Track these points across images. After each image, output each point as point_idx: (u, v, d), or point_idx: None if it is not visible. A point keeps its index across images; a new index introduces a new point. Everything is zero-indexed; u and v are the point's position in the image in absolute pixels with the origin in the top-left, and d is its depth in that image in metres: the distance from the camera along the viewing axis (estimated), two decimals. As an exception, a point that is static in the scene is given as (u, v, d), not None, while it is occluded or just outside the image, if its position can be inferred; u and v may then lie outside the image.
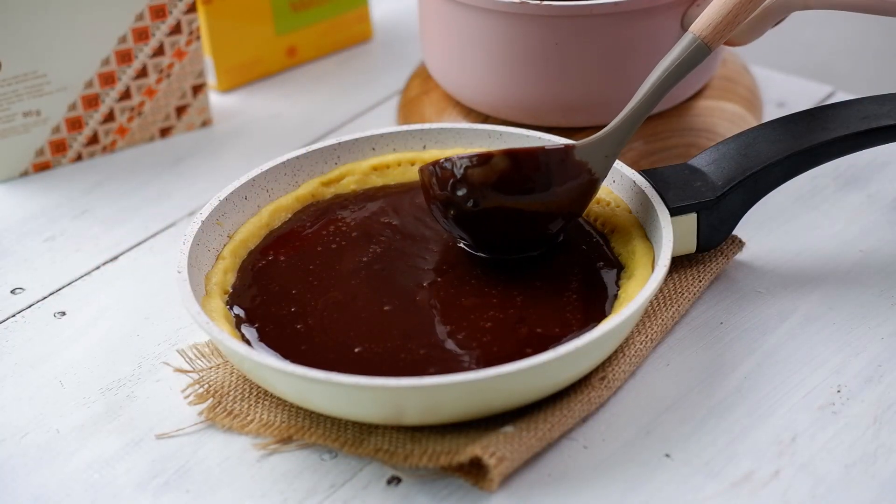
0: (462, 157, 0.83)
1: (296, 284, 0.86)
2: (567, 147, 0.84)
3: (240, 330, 0.82)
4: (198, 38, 1.07)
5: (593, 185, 0.85)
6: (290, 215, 0.91)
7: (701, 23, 0.85)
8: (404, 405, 0.76)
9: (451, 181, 0.84)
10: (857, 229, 0.94)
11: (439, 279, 0.85)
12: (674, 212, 0.86)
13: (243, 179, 0.91)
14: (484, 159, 0.83)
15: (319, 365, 0.77)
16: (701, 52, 0.85)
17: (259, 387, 0.83)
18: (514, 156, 0.83)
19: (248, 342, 0.81)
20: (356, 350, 0.80)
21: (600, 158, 0.85)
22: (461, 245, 0.88)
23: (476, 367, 0.78)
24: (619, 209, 0.89)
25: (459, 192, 0.84)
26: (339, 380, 0.75)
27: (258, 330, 0.82)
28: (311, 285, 0.85)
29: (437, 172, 0.84)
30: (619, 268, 0.86)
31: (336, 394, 0.76)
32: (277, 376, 0.77)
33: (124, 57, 1.05)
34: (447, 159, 0.84)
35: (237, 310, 0.84)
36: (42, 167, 1.06)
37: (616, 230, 0.88)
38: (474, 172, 0.83)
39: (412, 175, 0.94)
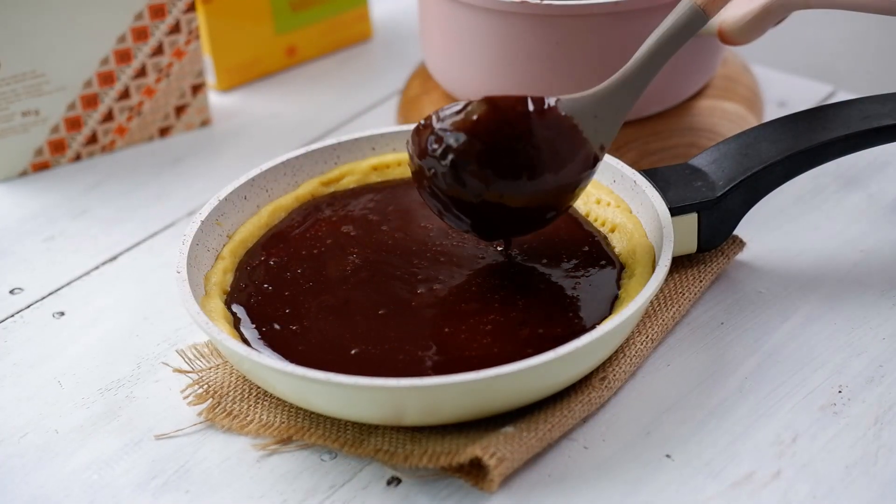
0: (443, 109, 0.81)
1: (287, 286, 0.85)
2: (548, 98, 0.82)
3: (239, 330, 0.82)
4: (197, 37, 1.07)
5: (583, 146, 0.81)
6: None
7: None
8: (404, 405, 0.76)
9: (428, 137, 0.81)
10: (858, 229, 0.94)
11: (436, 286, 0.85)
12: (674, 212, 0.86)
13: (243, 179, 0.91)
14: (463, 108, 0.80)
15: (318, 365, 0.77)
16: (698, 17, 0.83)
17: (258, 387, 0.83)
18: (491, 100, 0.80)
19: (247, 342, 0.81)
20: (353, 352, 0.80)
21: (588, 117, 0.82)
22: (457, 226, 0.84)
23: (476, 367, 0.78)
24: (620, 209, 0.89)
25: (435, 148, 0.80)
26: (339, 380, 0.75)
27: (257, 330, 0.82)
28: (302, 288, 0.85)
29: (415, 133, 0.82)
30: (620, 268, 0.86)
31: (336, 394, 0.76)
32: (277, 377, 0.77)
33: (123, 56, 1.05)
34: (428, 116, 0.81)
35: (236, 309, 0.84)
36: (41, 167, 1.06)
37: (616, 230, 0.88)
38: (450, 122, 0.80)
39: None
